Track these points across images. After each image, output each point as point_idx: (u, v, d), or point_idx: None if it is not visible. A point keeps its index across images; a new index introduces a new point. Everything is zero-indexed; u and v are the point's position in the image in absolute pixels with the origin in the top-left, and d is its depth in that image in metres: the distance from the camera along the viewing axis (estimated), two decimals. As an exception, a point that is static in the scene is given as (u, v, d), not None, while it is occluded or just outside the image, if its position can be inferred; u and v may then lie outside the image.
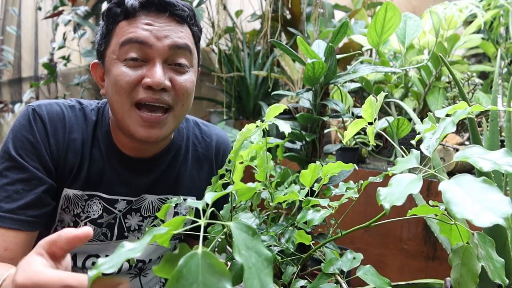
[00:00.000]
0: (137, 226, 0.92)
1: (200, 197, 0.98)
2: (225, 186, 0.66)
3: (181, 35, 0.79)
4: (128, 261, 0.92)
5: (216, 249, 0.71)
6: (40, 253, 0.49)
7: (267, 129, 0.73)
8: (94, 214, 0.86)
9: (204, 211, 0.46)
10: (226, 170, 0.71)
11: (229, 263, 0.70)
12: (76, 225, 0.86)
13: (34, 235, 0.79)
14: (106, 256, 0.89)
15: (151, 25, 0.76)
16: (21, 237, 0.75)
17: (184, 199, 0.97)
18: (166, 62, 0.78)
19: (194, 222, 0.43)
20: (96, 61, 0.85)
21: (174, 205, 0.73)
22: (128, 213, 0.90)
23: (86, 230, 0.48)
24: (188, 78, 0.81)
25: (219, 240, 0.69)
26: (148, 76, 0.76)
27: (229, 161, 0.69)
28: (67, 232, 0.48)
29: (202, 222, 0.42)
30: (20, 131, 0.78)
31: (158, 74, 0.75)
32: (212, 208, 0.44)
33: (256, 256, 0.37)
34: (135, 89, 0.77)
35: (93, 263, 0.89)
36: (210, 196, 0.45)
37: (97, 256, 0.90)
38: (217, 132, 1.03)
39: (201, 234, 0.39)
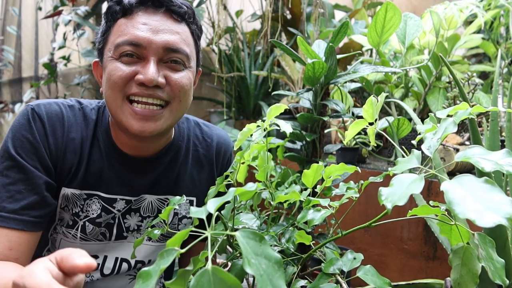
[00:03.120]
0: (136, 227, 0.92)
1: (200, 198, 0.98)
2: (228, 186, 0.65)
3: (177, 37, 0.79)
4: (127, 262, 0.92)
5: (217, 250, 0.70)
6: (51, 259, 0.49)
7: (267, 128, 0.73)
8: (93, 214, 0.86)
9: (209, 220, 0.45)
10: (230, 172, 0.71)
11: (229, 263, 0.70)
12: (75, 224, 0.86)
13: (38, 235, 0.80)
14: (105, 256, 0.90)
15: (147, 25, 0.77)
16: (25, 237, 0.76)
17: (186, 200, 0.96)
18: (162, 60, 0.79)
19: (200, 228, 0.42)
20: (97, 59, 0.86)
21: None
22: (128, 213, 0.90)
23: (89, 262, 0.47)
24: (184, 76, 0.81)
25: (219, 239, 0.69)
26: (141, 73, 0.76)
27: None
28: (72, 259, 0.47)
29: (208, 234, 0.41)
30: (19, 131, 0.79)
31: (151, 71, 0.76)
32: (217, 213, 0.43)
33: (266, 262, 0.36)
34: (128, 84, 0.77)
35: None
36: (213, 205, 0.44)
37: (96, 257, 0.90)
38: (218, 132, 1.02)
39: (209, 248, 0.38)
